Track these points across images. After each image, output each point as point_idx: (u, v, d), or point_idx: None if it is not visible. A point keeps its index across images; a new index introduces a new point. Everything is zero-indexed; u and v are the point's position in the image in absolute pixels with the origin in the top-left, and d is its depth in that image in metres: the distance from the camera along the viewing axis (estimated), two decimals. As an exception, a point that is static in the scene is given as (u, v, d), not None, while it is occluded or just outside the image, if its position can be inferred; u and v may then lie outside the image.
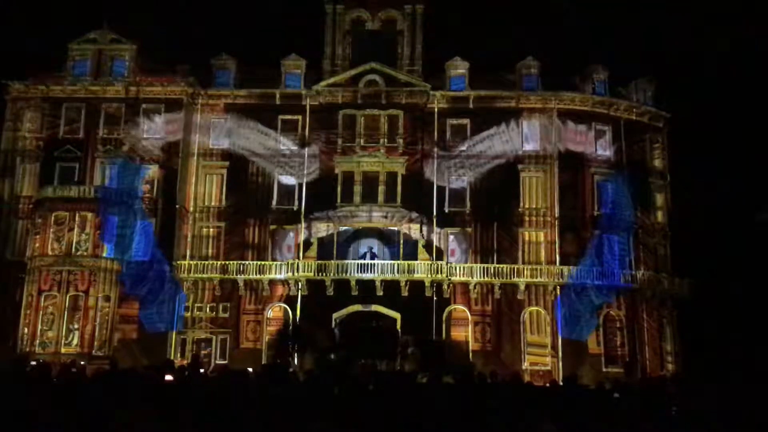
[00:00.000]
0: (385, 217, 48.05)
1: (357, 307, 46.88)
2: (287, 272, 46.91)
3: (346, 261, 46.68)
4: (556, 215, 48.55)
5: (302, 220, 48.52)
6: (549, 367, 45.64)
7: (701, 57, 59.56)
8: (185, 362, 34.84)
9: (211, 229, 49.70)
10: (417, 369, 33.67)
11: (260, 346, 46.80)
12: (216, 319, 47.28)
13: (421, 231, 47.82)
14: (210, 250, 49.17)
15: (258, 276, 47.32)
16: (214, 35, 62.47)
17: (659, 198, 51.79)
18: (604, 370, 44.75)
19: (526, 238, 48.93)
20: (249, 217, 48.98)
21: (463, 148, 49.62)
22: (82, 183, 47.10)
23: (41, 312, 42.89)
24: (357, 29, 52.46)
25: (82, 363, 32.06)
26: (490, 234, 48.20)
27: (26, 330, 42.75)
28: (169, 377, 14.10)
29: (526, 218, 48.93)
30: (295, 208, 49.15)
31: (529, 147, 49.79)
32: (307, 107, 50.42)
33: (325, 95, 50.24)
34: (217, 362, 45.16)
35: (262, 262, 47.64)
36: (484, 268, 47.11)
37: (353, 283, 46.39)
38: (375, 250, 47.78)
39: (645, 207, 50.52)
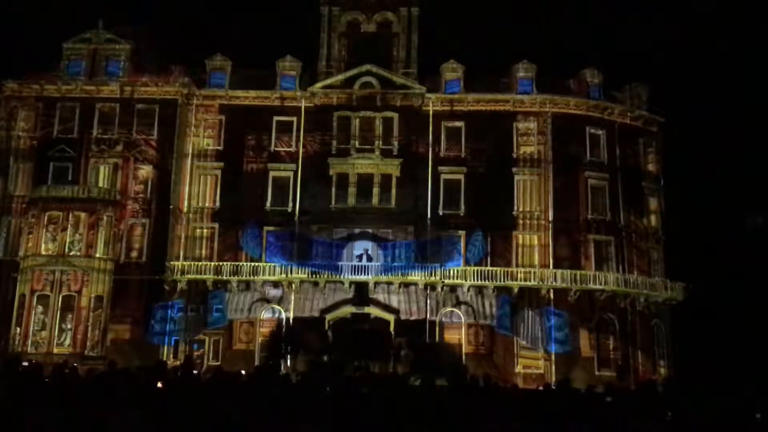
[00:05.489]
0: (380, 219, 48.10)
1: (350, 309, 46.89)
2: (281, 273, 46.85)
3: (340, 263, 46.65)
4: (550, 219, 48.61)
5: (296, 221, 48.49)
6: (542, 371, 45.66)
7: (695, 61, 59.82)
8: (178, 363, 34.78)
9: (205, 230, 49.60)
10: (410, 371, 33.70)
11: (253, 347, 46.70)
12: (209, 320, 47.13)
13: (415, 233, 47.90)
14: (204, 251, 49.09)
15: (251, 277, 47.25)
16: (209, 36, 62.46)
17: (653, 202, 51.87)
18: (596, 373, 44.84)
19: (520, 242, 48.97)
20: (243, 218, 48.87)
21: (458, 150, 49.69)
22: (76, 183, 46.98)
23: (34, 312, 42.76)
24: (352, 31, 52.46)
25: (74, 363, 31.94)
26: (484, 237, 48.14)
27: (18, 330, 42.62)
28: (159, 384, 14.05)
29: (521, 221, 48.99)
30: (290, 209, 49.11)
31: (523, 150, 49.87)
32: (302, 109, 50.43)
33: (320, 97, 50.25)
34: (210, 363, 45.02)
35: (256, 264, 47.54)
36: (477, 270, 47.09)
37: (347, 284, 46.40)
38: (369, 252, 47.75)
39: (639, 211, 50.65)
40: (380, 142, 49.75)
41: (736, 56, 60.55)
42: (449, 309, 47.27)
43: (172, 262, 47.41)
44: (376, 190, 49.04)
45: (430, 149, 49.51)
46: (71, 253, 43.85)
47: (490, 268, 47.20)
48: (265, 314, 47.75)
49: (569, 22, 66.98)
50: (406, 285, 46.52)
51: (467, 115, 50.14)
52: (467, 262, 47.39)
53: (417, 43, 51.71)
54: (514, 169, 49.52)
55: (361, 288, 46.41)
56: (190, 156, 50.04)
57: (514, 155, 49.73)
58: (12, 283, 44.78)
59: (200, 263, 47.81)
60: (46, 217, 44.28)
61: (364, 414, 12.14)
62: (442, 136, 50.06)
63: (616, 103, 51.81)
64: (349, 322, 46.60)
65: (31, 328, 42.59)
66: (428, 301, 46.66)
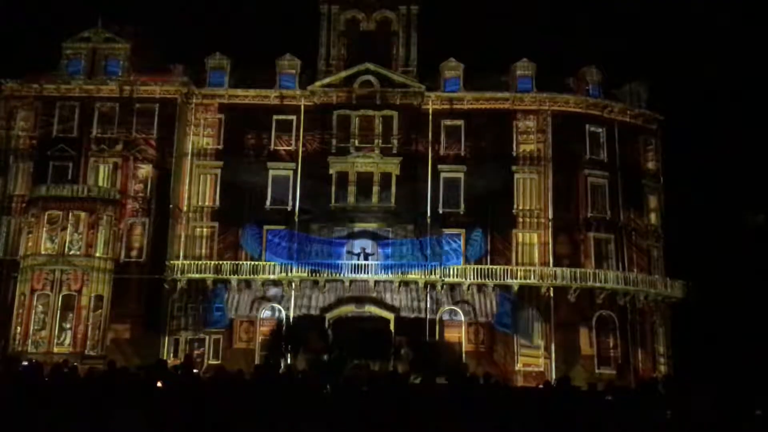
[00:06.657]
0: (379, 217, 48.14)
1: (350, 308, 46.92)
2: (281, 272, 46.85)
3: (340, 261, 46.66)
4: (550, 217, 48.59)
5: (296, 220, 48.50)
6: (542, 369, 45.68)
7: (695, 59, 59.75)
8: (178, 362, 34.75)
9: (205, 229, 49.58)
10: (410, 370, 33.69)
11: (253, 346, 46.71)
12: (209, 319, 47.19)
13: (414, 231, 47.92)
14: (204, 250, 49.06)
15: (251, 276, 47.24)
16: (208, 35, 62.26)
17: (652, 200, 51.85)
18: (596, 371, 44.88)
19: (520, 240, 48.93)
20: (243, 217, 48.85)
21: (458, 149, 49.69)
22: (76, 182, 46.96)
23: (33, 311, 42.72)
24: (352, 30, 52.43)
25: (74, 363, 31.94)
26: (484, 235, 48.16)
27: (18, 329, 42.59)
28: (159, 384, 14.07)
29: (520, 219, 48.96)
30: (289, 208, 49.11)
31: (523, 148, 49.84)
32: (302, 107, 50.42)
33: (320, 95, 50.22)
34: (210, 362, 45.02)
35: (256, 263, 47.53)
36: (477, 269, 47.10)
37: (347, 283, 46.42)
38: (369, 251, 47.72)
39: (638, 209, 50.64)
40: (380, 141, 49.72)
41: (736, 55, 60.50)
42: (449, 307, 47.29)
43: (172, 261, 47.41)
44: (375, 189, 49.03)
45: (430, 147, 49.51)
46: (71, 253, 43.80)
47: (490, 267, 47.21)
48: (266, 313, 47.77)
49: (569, 21, 66.89)
50: (406, 283, 46.55)
51: (467, 113, 50.12)
52: (467, 261, 47.46)
53: (416, 42, 51.67)
54: (513, 168, 49.47)
55: (360, 286, 46.48)
56: (189, 155, 50.00)
57: (514, 153, 49.69)
58: (12, 283, 44.80)
59: (200, 262, 47.79)
60: (45, 217, 44.22)
61: (364, 413, 12.14)
62: (442, 135, 50.04)
63: (615, 101, 51.75)
64: (349, 321, 46.62)
65: (31, 328, 42.54)
66: (428, 300, 46.69)
